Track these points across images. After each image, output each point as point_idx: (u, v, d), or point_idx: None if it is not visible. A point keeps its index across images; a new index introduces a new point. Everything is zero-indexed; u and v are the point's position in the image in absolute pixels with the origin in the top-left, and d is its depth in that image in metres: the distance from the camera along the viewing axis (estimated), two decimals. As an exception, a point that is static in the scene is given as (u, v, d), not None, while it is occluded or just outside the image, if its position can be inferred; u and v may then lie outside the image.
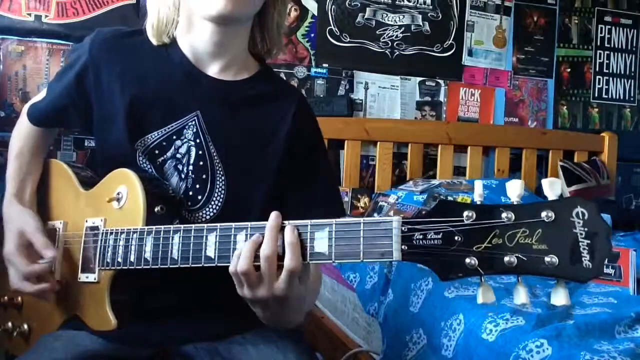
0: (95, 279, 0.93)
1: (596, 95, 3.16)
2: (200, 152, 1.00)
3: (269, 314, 0.85)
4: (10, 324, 1.09)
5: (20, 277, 0.97)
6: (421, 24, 2.79)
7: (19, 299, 1.09)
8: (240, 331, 1.03)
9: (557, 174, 2.85)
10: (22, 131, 1.13)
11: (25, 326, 1.06)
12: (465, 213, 0.67)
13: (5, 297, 1.11)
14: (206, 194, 1.01)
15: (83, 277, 0.95)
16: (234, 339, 1.02)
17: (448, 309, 1.45)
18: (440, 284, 1.55)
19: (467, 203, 0.68)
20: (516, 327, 1.26)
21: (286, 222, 0.78)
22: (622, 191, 3.01)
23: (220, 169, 1.01)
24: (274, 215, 0.78)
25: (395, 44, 2.75)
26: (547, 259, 0.63)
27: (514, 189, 0.66)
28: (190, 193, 1.01)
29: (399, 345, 1.57)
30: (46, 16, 2.22)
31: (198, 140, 1.00)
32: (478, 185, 0.69)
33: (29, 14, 2.20)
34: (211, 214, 1.01)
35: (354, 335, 1.98)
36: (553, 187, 0.64)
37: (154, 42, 1.02)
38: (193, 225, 0.85)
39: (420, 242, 0.69)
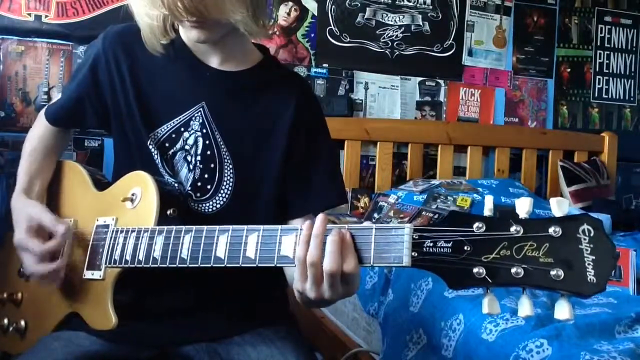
0: (100, 276, 0.94)
1: (596, 95, 3.16)
2: (207, 142, 1.02)
3: (321, 305, 0.83)
4: (6, 320, 1.09)
5: (34, 259, 0.97)
6: (421, 24, 2.79)
7: (19, 295, 1.09)
8: (239, 332, 1.03)
9: (557, 174, 2.85)
10: (36, 132, 1.14)
11: (22, 322, 1.06)
12: (476, 224, 0.69)
13: (5, 294, 1.11)
14: (215, 183, 1.02)
15: (88, 274, 0.95)
16: (233, 339, 1.02)
17: (448, 309, 1.45)
18: (440, 284, 1.54)
19: (477, 215, 0.70)
20: (516, 327, 1.26)
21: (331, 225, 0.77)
22: (622, 191, 3.01)
23: (227, 158, 1.03)
24: (336, 231, 0.75)
25: (395, 44, 2.75)
26: (552, 272, 0.65)
27: (523, 206, 0.68)
28: (199, 184, 1.02)
29: (399, 345, 1.57)
30: (46, 16, 2.22)
31: (205, 131, 1.02)
32: (489, 200, 0.71)
33: (29, 14, 2.20)
34: (221, 202, 1.02)
35: (354, 335, 1.99)
36: (561, 206, 0.67)
37: (151, 51, 1.02)
38: (205, 227, 0.86)
39: (430, 249, 0.71)
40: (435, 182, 2.46)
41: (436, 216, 2.11)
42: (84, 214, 1.02)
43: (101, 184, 1.08)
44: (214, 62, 1.04)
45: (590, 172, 2.80)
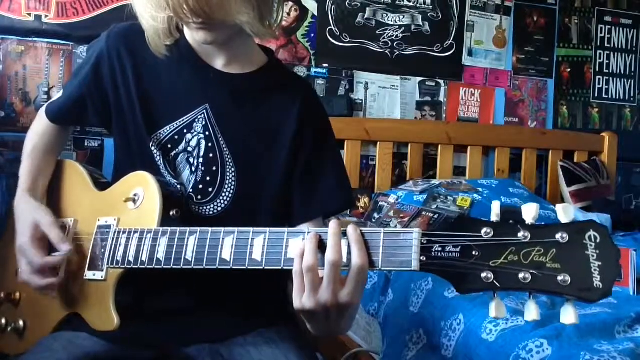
0: (102, 276, 0.93)
1: (596, 95, 3.16)
2: (209, 145, 1.02)
3: (326, 324, 0.81)
4: (4, 320, 1.09)
5: (31, 269, 0.97)
6: (421, 24, 2.79)
7: (17, 294, 1.09)
8: (241, 332, 1.03)
9: (557, 174, 2.85)
10: (37, 130, 1.14)
11: (21, 322, 1.06)
12: (484, 230, 0.70)
13: (2, 294, 1.11)
14: (217, 186, 1.02)
15: (90, 274, 0.95)
16: (235, 340, 1.02)
17: (448, 309, 1.45)
18: (440, 284, 1.55)
19: (485, 220, 0.71)
20: (516, 327, 1.26)
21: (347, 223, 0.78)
22: (622, 191, 3.01)
23: (230, 161, 1.02)
24: (334, 223, 0.77)
25: (395, 44, 2.75)
26: (559, 277, 0.66)
27: (530, 212, 0.69)
28: (201, 186, 1.02)
29: (399, 345, 1.57)
30: (46, 16, 2.22)
31: (207, 133, 1.02)
32: (495, 205, 0.72)
33: (29, 14, 2.20)
34: (222, 205, 1.01)
35: (354, 335, 1.99)
36: (567, 213, 0.68)
37: (156, 53, 1.02)
38: (210, 228, 0.85)
39: (439, 254, 0.72)
40: (435, 182, 2.46)
41: (436, 216, 2.11)
42: (85, 214, 1.02)
43: (101, 184, 1.07)
44: (218, 63, 1.03)
45: (590, 172, 2.80)
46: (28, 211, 1.03)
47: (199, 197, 1.02)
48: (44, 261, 0.96)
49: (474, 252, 0.70)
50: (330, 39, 2.65)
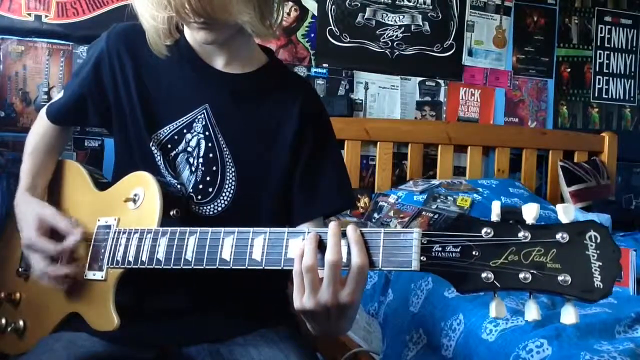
0: (102, 276, 0.94)
1: (596, 95, 3.16)
2: (209, 145, 1.02)
3: (327, 324, 0.81)
4: (3, 320, 1.09)
5: (47, 261, 0.96)
6: (421, 24, 2.79)
7: (17, 294, 1.09)
8: (241, 332, 1.03)
9: (557, 174, 2.85)
10: (38, 130, 1.14)
11: (21, 322, 1.06)
12: (484, 229, 0.70)
13: (2, 294, 1.11)
14: (217, 186, 1.02)
15: (90, 274, 0.95)
16: (236, 340, 1.02)
17: (448, 309, 1.45)
18: (440, 284, 1.55)
19: (486, 220, 0.71)
20: (516, 327, 1.26)
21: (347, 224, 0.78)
22: (622, 191, 3.01)
23: (229, 161, 1.02)
24: (334, 223, 0.77)
25: (395, 44, 2.75)
26: (560, 277, 0.66)
27: (530, 212, 0.69)
28: (201, 186, 1.02)
29: (399, 345, 1.57)
30: (46, 16, 2.22)
31: (207, 133, 1.02)
32: (496, 205, 0.72)
33: (29, 14, 2.20)
34: (222, 205, 1.01)
35: (354, 335, 1.99)
36: (567, 213, 0.68)
37: (156, 53, 1.02)
38: (210, 229, 0.85)
39: (439, 254, 0.72)
40: (435, 182, 2.46)
41: (436, 216, 2.11)
42: (85, 214, 1.02)
43: (101, 184, 1.08)
44: (218, 63, 1.03)
45: (590, 172, 2.80)
46: (30, 208, 1.03)
47: (199, 197, 1.02)
48: (60, 247, 0.96)
49: (474, 252, 0.69)
50: (330, 39, 2.65)
